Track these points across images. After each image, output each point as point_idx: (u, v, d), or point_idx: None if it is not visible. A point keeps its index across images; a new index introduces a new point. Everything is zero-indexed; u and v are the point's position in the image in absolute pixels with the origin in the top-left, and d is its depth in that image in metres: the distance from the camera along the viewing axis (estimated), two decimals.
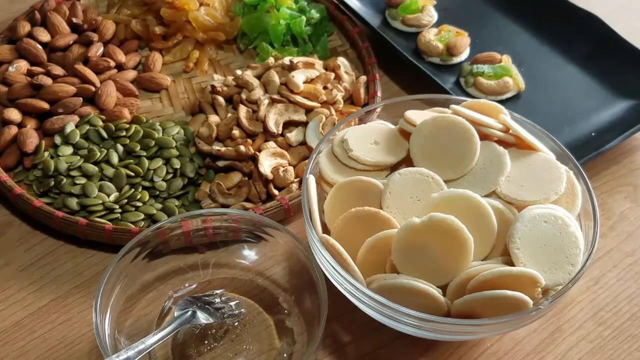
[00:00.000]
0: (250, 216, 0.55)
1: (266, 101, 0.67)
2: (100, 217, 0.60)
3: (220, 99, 0.69)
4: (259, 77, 0.71)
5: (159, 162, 0.63)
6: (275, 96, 0.67)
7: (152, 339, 0.48)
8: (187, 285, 0.56)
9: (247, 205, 0.61)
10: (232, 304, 0.54)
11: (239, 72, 0.72)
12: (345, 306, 0.52)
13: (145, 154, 0.64)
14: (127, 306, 0.53)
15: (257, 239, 0.56)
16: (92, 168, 0.63)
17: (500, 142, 0.55)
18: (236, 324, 0.54)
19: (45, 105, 0.67)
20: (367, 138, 0.56)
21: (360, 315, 0.51)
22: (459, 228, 0.47)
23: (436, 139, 0.54)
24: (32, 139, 0.65)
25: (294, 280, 0.56)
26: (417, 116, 0.56)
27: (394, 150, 0.56)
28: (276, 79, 0.69)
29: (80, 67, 0.71)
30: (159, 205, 0.62)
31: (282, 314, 0.55)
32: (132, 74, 0.74)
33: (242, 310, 0.54)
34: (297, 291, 0.55)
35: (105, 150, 0.64)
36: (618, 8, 0.88)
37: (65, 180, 0.62)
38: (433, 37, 0.77)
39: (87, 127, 0.66)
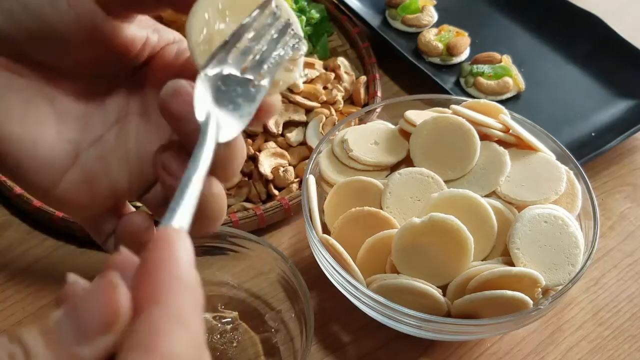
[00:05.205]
0: (224, 231, 0.53)
1: None
2: None
3: None
4: None
5: None
6: None
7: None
8: None
9: (247, 205, 0.61)
10: (225, 321, 0.53)
11: None
12: (345, 306, 0.52)
13: None
14: None
15: (235, 253, 0.54)
16: None
17: (500, 142, 0.55)
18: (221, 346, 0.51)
19: None
20: (367, 138, 0.56)
21: (360, 315, 0.51)
22: (459, 228, 0.47)
23: (436, 139, 0.54)
24: None
25: (279, 294, 0.54)
26: (417, 116, 0.56)
27: (394, 150, 0.56)
28: None
29: None
30: None
31: (269, 332, 0.53)
32: None
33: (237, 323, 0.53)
34: (282, 306, 0.53)
35: None
36: (618, 8, 0.88)
37: None
38: (433, 37, 0.77)
39: None
